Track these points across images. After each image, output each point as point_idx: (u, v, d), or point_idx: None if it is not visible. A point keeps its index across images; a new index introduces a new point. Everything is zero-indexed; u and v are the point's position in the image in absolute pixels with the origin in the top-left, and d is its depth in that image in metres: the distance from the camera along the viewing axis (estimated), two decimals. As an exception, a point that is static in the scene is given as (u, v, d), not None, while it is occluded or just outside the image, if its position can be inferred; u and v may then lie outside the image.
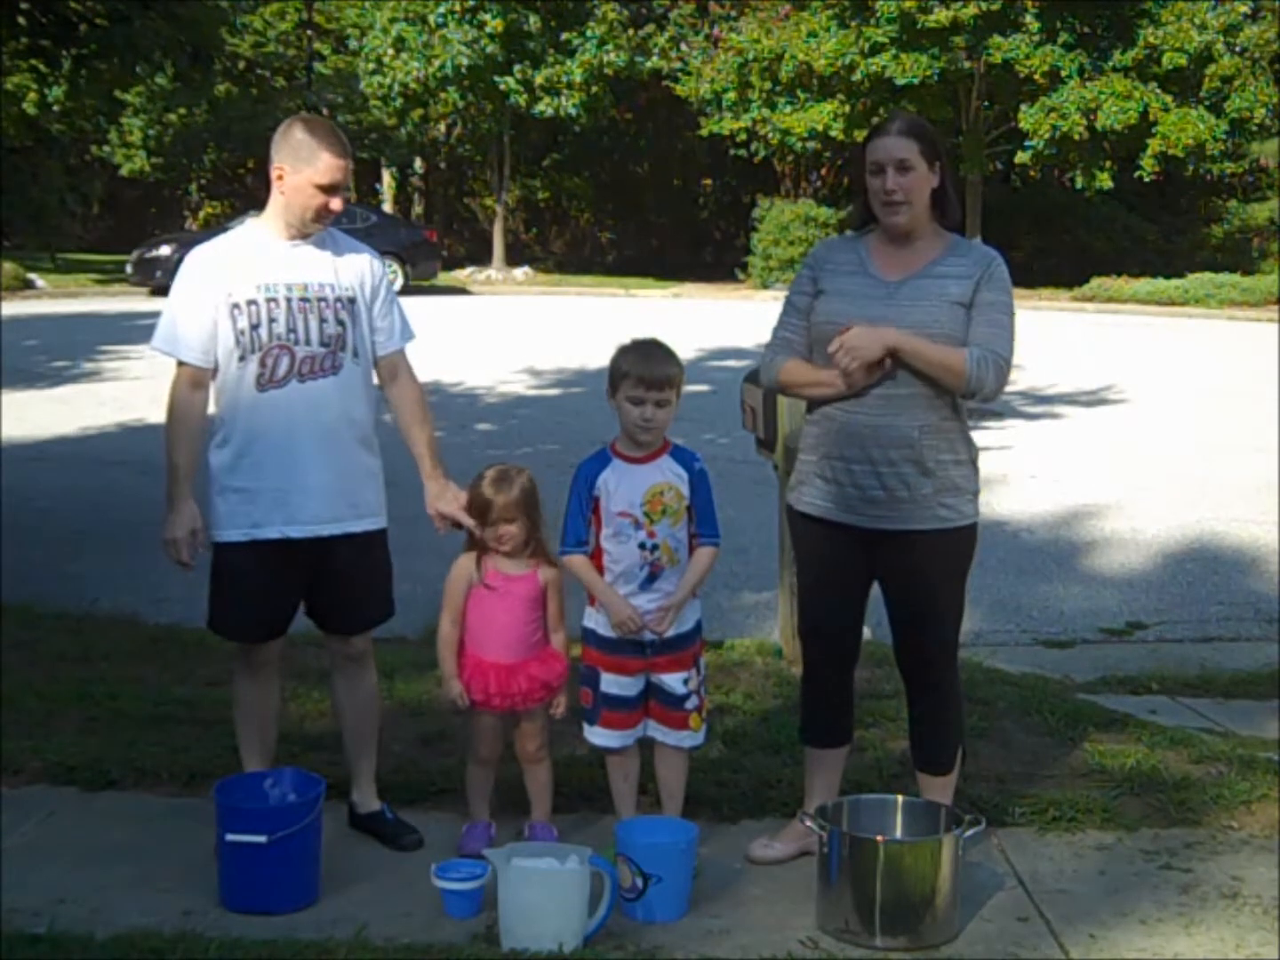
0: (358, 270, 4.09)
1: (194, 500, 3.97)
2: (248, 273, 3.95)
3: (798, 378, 3.97)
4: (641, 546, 3.94)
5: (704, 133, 31.72)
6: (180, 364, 3.99)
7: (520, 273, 32.56)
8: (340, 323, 4.00)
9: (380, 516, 4.14)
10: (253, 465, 3.96)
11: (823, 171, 34.31)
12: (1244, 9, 27.17)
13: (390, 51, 31.13)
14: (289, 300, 3.95)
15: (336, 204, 3.97)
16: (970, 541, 3.98)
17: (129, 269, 26.13)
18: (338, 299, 4.01)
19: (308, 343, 3.96)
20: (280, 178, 3.95)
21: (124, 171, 34.88)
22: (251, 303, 3.93)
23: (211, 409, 4.05)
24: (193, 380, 3.98)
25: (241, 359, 3.94)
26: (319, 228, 4.01)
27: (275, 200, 4.01)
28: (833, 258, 3.99)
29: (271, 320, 3.93)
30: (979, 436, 4.02)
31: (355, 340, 4.04)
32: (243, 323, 3.93)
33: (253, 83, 32.86)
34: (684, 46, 31.56)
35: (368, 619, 4.20)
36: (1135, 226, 32.22)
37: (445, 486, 4.14)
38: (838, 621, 4.06)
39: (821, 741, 4.14)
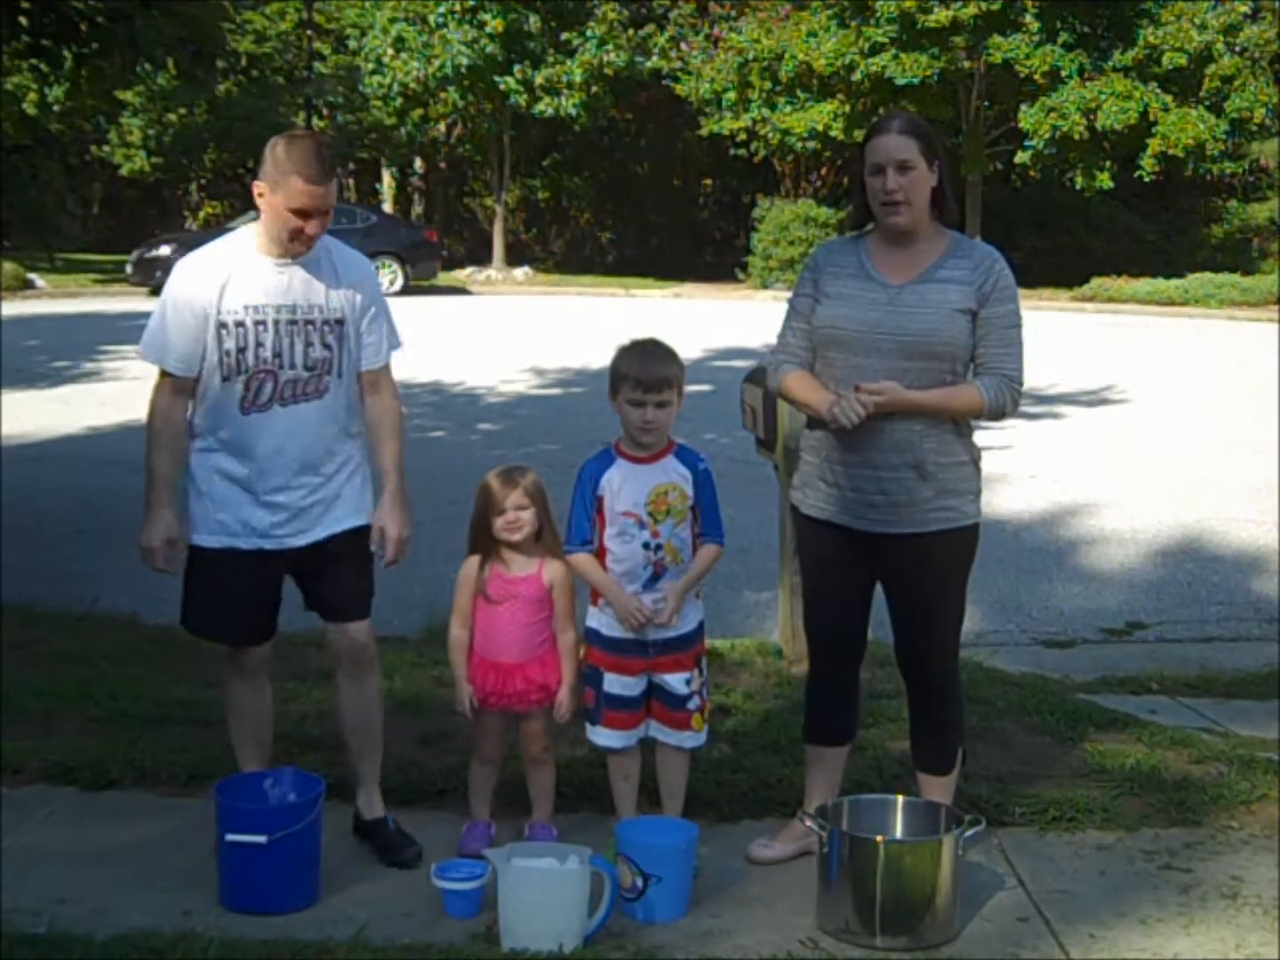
0: (349, 287, 4.00)
1: (172, 508, 3.93)
2: (237, 291, 3.87)
3: (795, 393, 3.97)
4: (645, 546, 3.94)
5: (704, 132, 31.75)
6: (164, 373, 3.94)
7: (520, 273, 32.55)
8: (327, 346, 3.94)
9: (362, 514, 4.07)
10: (230, 479, 3.93)
11: (823, 171, 34.29)
12: (1244, 9, 27.18)
13: (390, 51, 31.15)
14: (277, 323, 3.89)
15: (312, 228, 3.83)
16: (972, 541, 3.98)
17: (129, 269, 26.13)
18: (325, 322, 3.94)
19: (292, 366, 3.90)
20: (260, 195, 3.87)
21: (124, 171, 34.91)
22: (240, 324, 3.87)
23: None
24: (175, 388, 3.94)
25: (226, 379, 3.89)
26: (300, 250, 3.89)
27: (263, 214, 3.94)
28: (833, 260, 3.97)
29: (259, 345, 3.87)
30: (980, 436, 4.02)
31: (341, 362, 3.98)
32: (229, 344, 3.87)
33: (254, 79, 32.82)
34: (684, 46, 31.57)
35: (362, 604, 4.11)
36: (1135, 226, 32.19)
37: (398, 508, 4.04)
38: (842, 620, 4.06)
39: (824, 739, 4.14)
